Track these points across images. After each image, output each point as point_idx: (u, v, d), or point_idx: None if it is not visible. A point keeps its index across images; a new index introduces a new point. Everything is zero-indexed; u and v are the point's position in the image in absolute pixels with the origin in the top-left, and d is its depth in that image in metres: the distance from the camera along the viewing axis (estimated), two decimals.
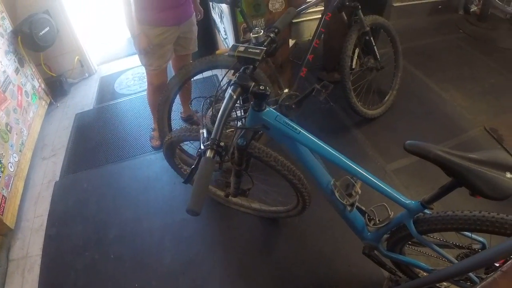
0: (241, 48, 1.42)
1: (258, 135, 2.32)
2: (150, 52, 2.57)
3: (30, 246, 2.70)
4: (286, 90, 2.58)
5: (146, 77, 2.88)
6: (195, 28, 2.87)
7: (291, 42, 2.97)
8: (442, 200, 1.31)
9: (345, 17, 2.88)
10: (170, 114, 2.67)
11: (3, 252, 2.65)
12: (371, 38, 2.92)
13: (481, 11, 4.93)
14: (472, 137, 2.98)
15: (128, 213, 2.75)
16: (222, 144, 1.25)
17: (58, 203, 2.99)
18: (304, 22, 4.31)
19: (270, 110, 1.53)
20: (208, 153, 1.21)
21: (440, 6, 5.03)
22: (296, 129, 1.53)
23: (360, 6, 2.78)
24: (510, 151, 2.75)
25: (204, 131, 1.35)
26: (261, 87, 1.39)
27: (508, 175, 1.16)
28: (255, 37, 1.51)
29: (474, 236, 1.49)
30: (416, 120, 3.17)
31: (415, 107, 3.30)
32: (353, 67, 2.96)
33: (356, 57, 2.96)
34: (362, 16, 2.82)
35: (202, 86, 3.80)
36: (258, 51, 1.39)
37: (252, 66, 1.41)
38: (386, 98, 3.22)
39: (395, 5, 4.68)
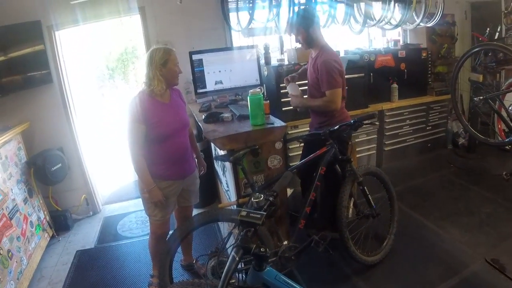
0: (244, 213, 1.54)
1: None
2: (158, 203, 2.70)
3: None
4: (285, 242, 2.66)
5: (149, 226, 2.97)
6: (197, 182, 3.06)
7: (289, 192, 3.13)
8: None
9: (339, 170, 3.04)
10: (172, 265, 2.69)
11: None
12: (365, 187, 3.08)
13: (468, 143, 5.28)
14: (475, 271, 2.95)
15: None
16: None
17: None
18: None
19: (270, 270, 1.61)
20: None
21: (429, 144, 5.35)
22: (295, 287, 1.60)
23: (352, 159, 3.01)
24: None
25: None
26: (261, 250, 1.49)
27: None
28: (256, 202, 1.64)
29: None
30: (416, 262, 3.15)
31: (414, 249, 3.31)
32: (349, 216, 3.06)
33: (351, 206, 3.08)
34: (355, 167, 3.03)
35: (202, 233, 3.83)
36: (259, 216, 1.52)
37: (253, 229, 1.53)
38: (385, 244, 3.24)
39: (386, 149, 4.98)
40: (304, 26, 3.04)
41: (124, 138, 2.64)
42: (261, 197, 1.67)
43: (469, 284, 2.85)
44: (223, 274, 1.41)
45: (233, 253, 1.47)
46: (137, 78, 10.94)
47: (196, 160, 3.09)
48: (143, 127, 2.55)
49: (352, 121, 2.95)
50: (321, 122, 3.20)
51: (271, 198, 1.71)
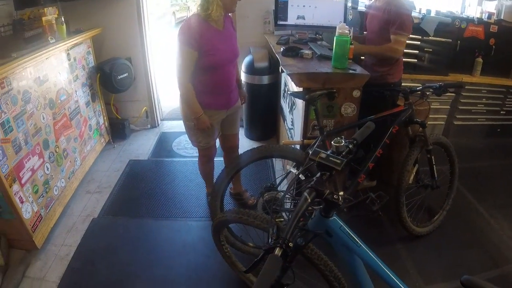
0: (323, 155, 1.47)
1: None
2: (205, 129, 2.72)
3: (50, 271, 2.71)
4: (341, 193, 2.59)
5: (197, 151, 3.06)
6: (240, 111, 3.08)
7: None
8: None
9: (410, 132, 2.92)
10: (223, 203, 2.74)
11: (22, 267, 2.70)
12: (432, 157, 2.95)
13: None
14: None
15: (157, 272, 2.71)
16: (291, 245, 1.28)
17: (90, 239, 3.01)
18: None
19: (336, 219, 1.57)
20: (277, 251, 1.24)
21: (498, 130, 5.01)
22: (357, 242, 1.57)
23: (426, 124, 2.85)
24: None
25: (275, 227, 1.38)
26: (335, 197, 1.43)
27: None
28: (336, 146, 1.56)
29: None
30: (461, 244, 3.06)
31: (462, 231, 3.21)
32: (409, 181, 2.95)
33: (414, 173, 2.96)
34: (427, 134, 2.88)
35: (254, 166, 3.76)
36: (339, 161, 1.45)
37: (329, 174, 1.46)
38: (436, 218, 3.15)
39: (455, 123, 4.73)
40: None
41: (173, 63, 2.55)
42: (342, 142, 1.58)
43: (509, 281, 2.73)
44: (293, 214, 1.36)
45: (305, 193, 1.41)
46: None
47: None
48: (195, 53, 2.45)
49: (437, 85, 2.77)
50: (383, 71, 3.07)
51: (350, 146, 1.62)
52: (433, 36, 4.02)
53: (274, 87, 4.27)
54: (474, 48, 4.51)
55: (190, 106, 2.61)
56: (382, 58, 3.03)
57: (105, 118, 4.38)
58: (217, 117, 2.79)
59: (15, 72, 2.70)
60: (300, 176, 1.92)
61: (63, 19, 3.50)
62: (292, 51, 3.09)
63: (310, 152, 1.54)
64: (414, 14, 3.99)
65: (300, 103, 2.88)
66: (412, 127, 2.91)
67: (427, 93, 2.84)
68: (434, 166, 3.00)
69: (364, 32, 3.31)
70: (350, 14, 3.82)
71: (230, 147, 3.18)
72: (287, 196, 2.36)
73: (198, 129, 2.70)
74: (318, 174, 1.48)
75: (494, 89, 4.70)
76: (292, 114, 3.35)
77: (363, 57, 3.34)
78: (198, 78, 2.58)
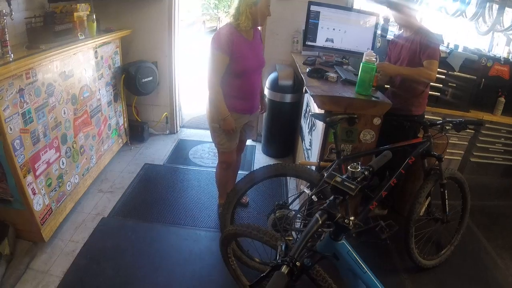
0: (338, 179, 1.50)
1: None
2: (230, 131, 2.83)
3: (54, 265, 2.73)
4: (352, 218, 2.60)
5: (218, 155, 3.15)
6: (258, 119, 3.22)
7: None
8: None
9: (426, 165, 2.92)
10: (234, 216, 2.74)
11: (27, 258, 2.72)
12: (445, 191, 2.94)
13: None
14: None
15: (161, 278, 2.72)
16: (298, 264, 1.30)
17: (98, 238, 3.04)
18: None
19: (344, 243, 1.59)
20: (283, 269, 1.26)
21: None
22: (363, 268, 1.58)
23: (443, 159, 2.85)
24: None
25: (284, 244, 1.41)
26: (345, 221, 1.46)
27: None
28: (352, 171, 1.58)
29: None
30: (466, 280, 3.04)
31: (468, 267, 3.18)
32: (420, 213, 2.95)
33: (425, 205, 2.95)
34: (443, 168, 2.87)
35: (268, 182, 3.75)
36: (353, 186, 1.47)
37: (342, 198, 1.49)
38: (443, 252, 3.14)
39: (472, 160, 4.70)
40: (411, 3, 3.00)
41: (205, 67, 2.75)
42: (358, 168, 1.61)
43: None
44: (303, 234, 1.39)
45: (317, 215, 1.44)
46: None
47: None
48: (226, 58, 2.64)
49: (458, 120, 2.78)
50: (408, 99, 3.10)
51: (366, 172, 1.65)
52: (458, 72, 4.02)
53: (296, 106, 4.32)
54: (497, 87, 4.48)
55: (217, 107, 2.76)
56: (416, 81, 3.02)
57: (125, 119, 4.44)
58: (241, 120, 2.94)
59: (41, 64, 2.75)
60: (313, 197, 1.94)
61: (94, 17, 3.58)
62: (318, 73, 3.14)
63: (326, 175, 1.56)
64: (441, 48, 4.00)
65: (320, 125, 2.91)
66: (428, 160, 2.92)
67: (447, 128, 2.86)
68: (447, 200, 2.98)
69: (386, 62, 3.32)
70: (379, 42, 3.85)
71: (238, 150, 3.30)
72: (298, 215, 2.39)
73: (224, 130, 2.84)
74: (332, 197, 1.50)
75: None
76: (311, 135, 3.37)
77: (388, 86, 3.36)
78: (227, 83, 2.74)
